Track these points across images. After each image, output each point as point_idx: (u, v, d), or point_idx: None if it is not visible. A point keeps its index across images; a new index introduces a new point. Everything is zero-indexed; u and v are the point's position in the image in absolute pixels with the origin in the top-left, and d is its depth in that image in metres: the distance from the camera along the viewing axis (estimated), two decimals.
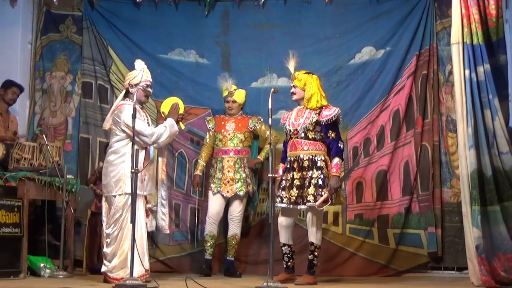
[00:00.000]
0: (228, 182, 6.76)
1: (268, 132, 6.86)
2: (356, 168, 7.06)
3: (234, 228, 6.82)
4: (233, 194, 6.75)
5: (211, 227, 6.77)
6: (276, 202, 5.96)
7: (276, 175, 5.83)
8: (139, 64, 5.96)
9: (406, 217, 7.02)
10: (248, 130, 6.94)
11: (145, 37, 7.65)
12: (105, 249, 5.78)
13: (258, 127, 6.96)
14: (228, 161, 6.82)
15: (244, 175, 6.80)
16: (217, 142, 6.93)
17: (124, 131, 5.73)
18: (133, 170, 5.25)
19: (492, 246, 5.39)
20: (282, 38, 7.42)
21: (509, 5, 7.01)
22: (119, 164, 5.73)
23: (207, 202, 6.95)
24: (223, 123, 6.96)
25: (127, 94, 5.92)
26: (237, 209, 6.81)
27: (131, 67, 6.20)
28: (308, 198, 5.83)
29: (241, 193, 6.75)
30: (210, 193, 6.83)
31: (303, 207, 5.92)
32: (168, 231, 6.33)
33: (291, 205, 5.93)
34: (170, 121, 5.85)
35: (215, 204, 6.78)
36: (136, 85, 5.84)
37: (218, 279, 6.55)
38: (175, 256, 7.26)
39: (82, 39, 7.73)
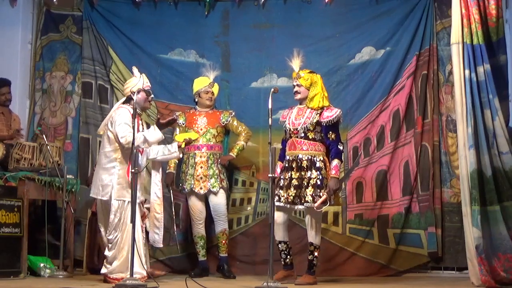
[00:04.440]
0: (201, 178, 6.61)
1: (240, 128, 6.85)
2: (356, 168, 7.06)
3: (222, 224, 6.69)
4: (207, 191, 6.63)
5: (197, 227, 6.70)
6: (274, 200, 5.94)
7: (275, 175, 5.81)
8: (137, 71, 6.01)
9: (406, 217, 7.01)
10: (220, 125, 6.80)
11: (145, 37, 7.65)
12: (106, 252, 5.82)
13: (230, 122, 6.84)
14: (200, 157, 6.66)
15: (217, 171, 6.66)
16: None
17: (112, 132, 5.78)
18: (133, 170, 5.27)
19: (492, 246, 5.40)
20: (282, 38, 7.42)
21: (509, 5, 7.02)
22: (110, 169, 5.78)
23: (185, 200, 6.91)
24: (194, 117, 6.81)
25: (128, 101, 5.90)
26: (219, 205, 6.68)
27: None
28: (306, 199, 5.81)
29: (215, 189, 6.62)
30: (186, 194, 6.75)
31: (300, 207, 5.91)
32: (161, 245, 6.16)
33: (288, 205, 5.91)
34: (150, 128, 5.81)
35: (195, 204, 6.68)
36: (138, 91, 5.86)
37: (218, 279, 6.55)
38: (175, 256, 7.26)
39: (82, 39, 7.73)
